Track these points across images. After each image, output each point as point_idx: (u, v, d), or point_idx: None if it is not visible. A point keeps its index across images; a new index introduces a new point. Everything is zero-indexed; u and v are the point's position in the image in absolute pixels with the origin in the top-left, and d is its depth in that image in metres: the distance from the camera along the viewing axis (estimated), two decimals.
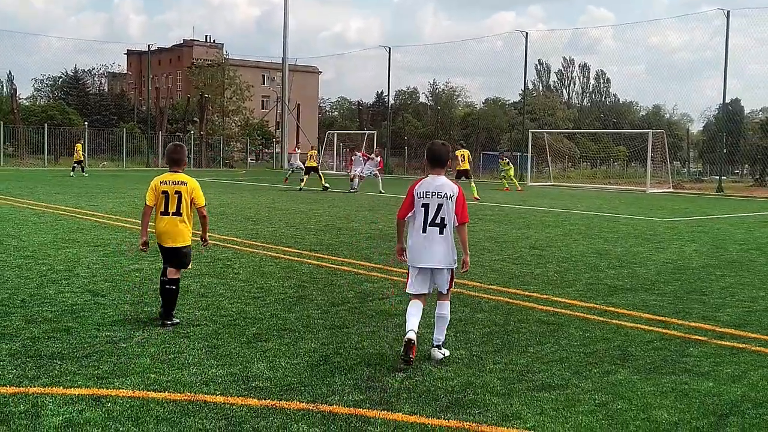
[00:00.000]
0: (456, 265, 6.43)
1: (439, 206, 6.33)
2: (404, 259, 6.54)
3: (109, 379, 5.57)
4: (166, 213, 7.43)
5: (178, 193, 7.43)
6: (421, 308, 6.37)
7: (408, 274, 6.49)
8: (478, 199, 26.88)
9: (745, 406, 5.42)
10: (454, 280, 6.55)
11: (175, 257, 7.50)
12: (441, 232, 6.31)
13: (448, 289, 6.45)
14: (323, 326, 7.39)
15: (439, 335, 6.44)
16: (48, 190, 26.21)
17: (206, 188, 21.84)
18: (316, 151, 36.18)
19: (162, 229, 7.47)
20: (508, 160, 38.80)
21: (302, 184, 31.58)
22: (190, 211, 7.52)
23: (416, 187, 6.46)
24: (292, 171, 37.80)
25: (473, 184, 27.89)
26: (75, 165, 38.10)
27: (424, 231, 6.33)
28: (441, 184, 6.43)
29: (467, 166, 28.37)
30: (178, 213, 7.43)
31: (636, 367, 6.31)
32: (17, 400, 5.07)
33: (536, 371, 6.09)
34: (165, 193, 7.45)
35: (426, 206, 6.36)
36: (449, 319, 6.53)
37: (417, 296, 6.42)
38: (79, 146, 39.31)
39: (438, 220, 6.32)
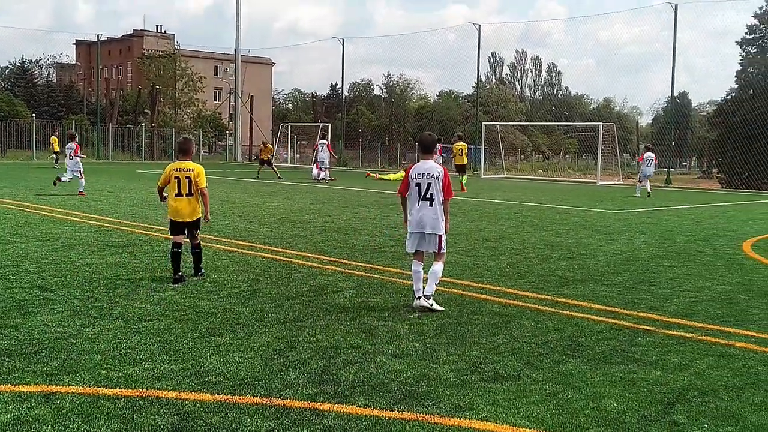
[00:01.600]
0: (442, 232, 8.07)
1: (428, 185, 8.03)
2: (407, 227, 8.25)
3: (58, 376, 5.49)
4: (180, 195, 9.17)
5: (188, 178, 9.19)
6: (421, 266, 8.09)
7: (407, 238, 8.25)
8: (464, 191, 27.27)
9: (691, 394, 5.55)
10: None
11: (196, 227, 9.40)
12: (431, 205, 8.03)
13: (439, 251, 8.07)
14: (277, 320, 7.37)
15: (430, 288, 7.92)
16: None
17: (155, 181, 21.51)
18: (270, 144, 35.59)
19: (181, 208, 9.19)
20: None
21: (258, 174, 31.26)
22: (197, 191, 9.24)
23: (411, 171, 8.13)
24: (328, 166, 34.06)
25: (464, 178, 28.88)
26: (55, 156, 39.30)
27: (417, 204, 8.05)
28: (429, 167, 8.10)
29: (465, 161, 29.69)
30: (190, 194, 9.21)
31: (586, 357, 6.42)
32: None
33: (489, 362, 6.16)
34: (177, 178, 9.17)
35: (419, 185, 8.06)
36: (440, 276, 8.10)
37: (416, 255, 8.17)
38: (54, 139, 40.38)
39: (428, 196, 8.03)
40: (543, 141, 72.50)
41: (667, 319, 7.86)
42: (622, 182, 41.10)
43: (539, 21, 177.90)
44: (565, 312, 8.08)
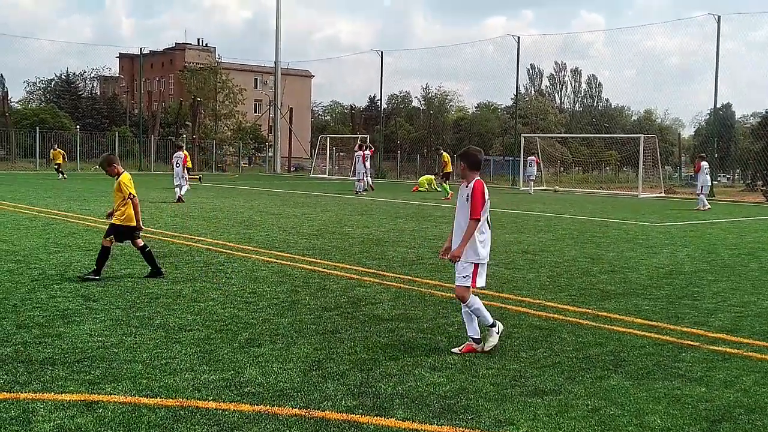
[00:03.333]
0: None
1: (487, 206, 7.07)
2: (457, 259, 6.92)
3: (100, 385, 5.54)
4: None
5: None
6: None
7: (475, 271, 6.87)
8: (448, 199, 29.35)
9: (737, 411, 5.43)
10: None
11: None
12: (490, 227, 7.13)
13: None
14: (316, 331, 7.38)
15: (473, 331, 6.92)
16: (40, 193, 26.12)
17: (199, 192, 21.66)
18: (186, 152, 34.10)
19: (134, 212, 10.00)
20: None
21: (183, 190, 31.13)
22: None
23: (484, 190, 6.99)
24: (361, 178, 34.40)
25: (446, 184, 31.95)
26: (58, 167, 39.37)
27: (487, 229, 7.10)
28: None
29: (450, 169, 34.02)
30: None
31: (628, 372, 6.32)
32: (8, 405, 5.04)
33: (529, 376, 6.09)
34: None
35: (486, 206, 7.05)
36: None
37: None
38: (58, 152, 40.52)
39: (489, 219, 7.15)
40: (583, 153, 71.81)
41: (712, 335, 7.71)
42: (663, 195, 40.55)
43: (579, 32, 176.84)
44: (606, 326, 7.97)
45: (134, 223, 10.03)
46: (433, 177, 40.08)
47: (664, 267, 12.36)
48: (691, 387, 5.96)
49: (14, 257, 11.36)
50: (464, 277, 6.83)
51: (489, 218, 7.10)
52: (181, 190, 24.24)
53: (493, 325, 6.85)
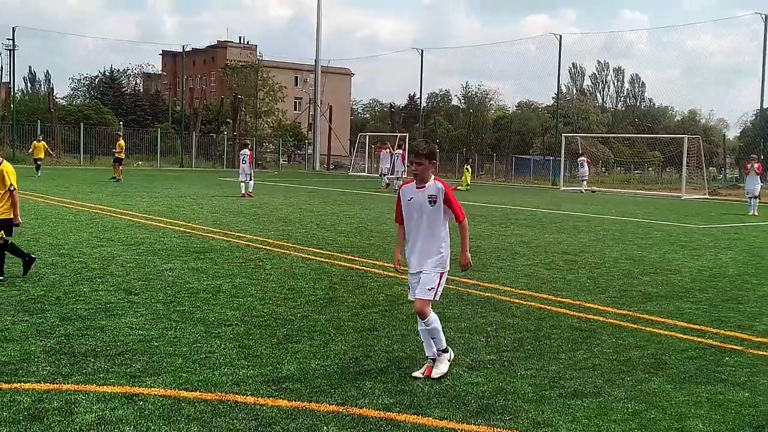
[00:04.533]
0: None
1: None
2: (469, 266, 6.40)
3: (141, 378, 5.61)
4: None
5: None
6: None
7: (440, 281, 6.17)
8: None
9: None
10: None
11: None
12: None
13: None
14: (353, 329, 7.38)
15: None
16: (84, 188, 26.55)
17: (238, 189, 21.83)
18: (123, 142, 35.22)
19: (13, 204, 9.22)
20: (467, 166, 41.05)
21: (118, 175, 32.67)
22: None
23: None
24: (385, 175, 35.78)
25: None
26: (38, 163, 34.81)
27: None
28: None
29: None
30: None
31: (670, 375, 6.22)
32: (51, 396, 5.13)
33: (568, 378, 6.02)
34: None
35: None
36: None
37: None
38: (39, 145, 35.74)
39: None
40: (625, 153, 70.89)
41: (757, 339, 7.56)
42: (707, 197, 39.88)
43: (622, 31, 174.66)
44: (647, 329, 7.86)
45: (11, 216, 9.26)
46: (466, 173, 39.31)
47: (707, 270, 12.15)
48: (734, 392, 5.84)
49: (58, 251, 11.55)
50: (429, 290, 6.03)
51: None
52: (248, 186, 25.54)
53: (445, 350, 6.09)
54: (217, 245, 12.95)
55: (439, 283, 6.09)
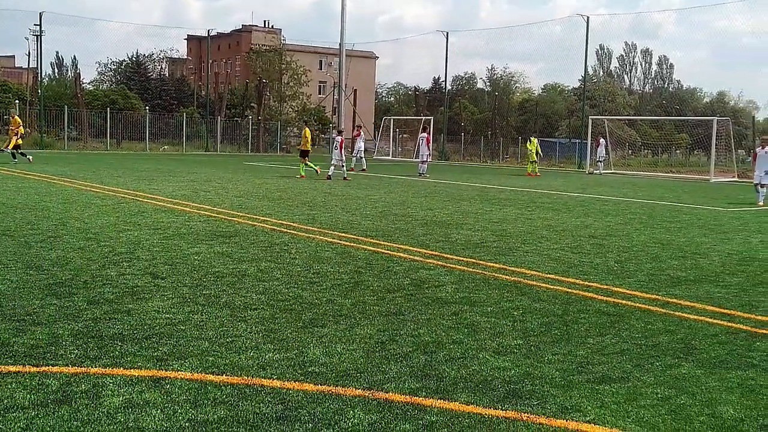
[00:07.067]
0: None
1: None
2: None
3: (168, 361, 5.62)
4: None
5: None
6: None
7: None
8: (303, 177, 27.97)
9: None
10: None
11: None
12: None
13: None
14: (379, 313, 7.36)
15: None
16: (110, 173, 26.74)
17: (263, 173, 21.96)
18: (18, 119, 32.73)
19: None
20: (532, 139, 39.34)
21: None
22: None
23: None
24: (358, 158, 37.21)
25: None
26: (13, 150, 30.93)
27: None
28: None
29: (308, 147, 29.40)
30: None
31: (700, 360, 6.13)
32: (79, 380, 5.16)
33: (596, 363, 5.96)
34: None
35: None
36: None
37: None
38: (16, 120, 31.81)
39: None
40: (652, 136, 70.16)
41: None
42: (736, 179, 39.38)
43: (650, 12, 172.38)
44: (677, 313, 7.76)
45: None
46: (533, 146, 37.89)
47: (737, 253, 11.98)
48: (766, 377, 5.74)
49: (85, 235, 11.64)
50: None
51: None
52: (343, 168, 27.81)
53: None
54: (242, 229, 12.98)
55: None
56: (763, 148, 22.95)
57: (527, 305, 7.89)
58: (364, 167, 36.06)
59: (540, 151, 39.16)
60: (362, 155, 37.71)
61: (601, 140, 42.72)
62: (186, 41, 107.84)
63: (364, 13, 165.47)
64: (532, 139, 38.85)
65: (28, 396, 4.82)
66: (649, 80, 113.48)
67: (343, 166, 28.11)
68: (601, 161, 42.38)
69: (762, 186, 22.44)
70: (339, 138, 29.19)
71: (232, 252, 10.53)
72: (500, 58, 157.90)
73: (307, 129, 29.67)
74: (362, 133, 41.15)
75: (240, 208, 16.36)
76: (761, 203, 22.09)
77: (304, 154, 29.28)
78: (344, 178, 27.40)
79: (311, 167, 28.75)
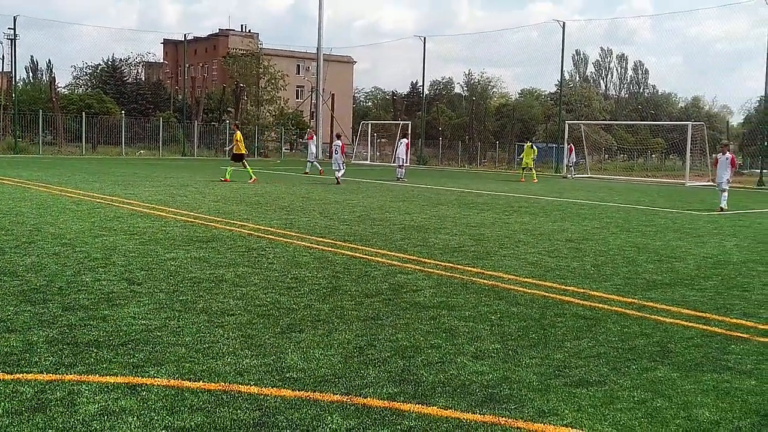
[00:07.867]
0: None
1: None
2: None
3: (144, 368, 5.58)
4: None
5: None
6: None
7: None
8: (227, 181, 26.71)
9: None
10: None
11: None
12: None
13: None
14: (357, 318, 7.35)
15: None
16: (86, 178, 26.51)
17: (242, 177, 21.87)
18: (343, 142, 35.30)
19: None
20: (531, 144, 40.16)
21: None
22: None
23: None
24: (313, 163, 36.43)
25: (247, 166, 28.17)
26: None
27: None
28: None
29: (242, 150, 28.29)
30: None
31: (676, 363, 6.18)
32: (54, 387, 5.10)
33: (573, 367, 5.99)
34: None
35: None
36: None
37: None
38: None
39: None
40: (628, 140, 70.72)
41: (762, 327, 7.51)
42: (711, 183, 39.77)
43: (625, 18, 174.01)
44: (652, 317, 7.82)
45: None
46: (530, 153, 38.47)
47: (712, 257, 12.10)
48: (740, 380, 5.81)
49: (60, 240, 11.53)
50: None
51: None
52: (339, 173, 28.01)
53: None
54: (219, 234, 12.92)
55: None
56: (723, 154, 23.17)
57: (505, 309, 7.92)
58: (321, 170, 35.55)
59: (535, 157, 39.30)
60: (314, 159, 37.05)
61: (572, 146, 43.82)
62: (162, 45, 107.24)
63: (341, 17, 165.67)
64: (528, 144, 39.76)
65: (2, 404, 4.76)
66: (625, 85, 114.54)
67: (342, 170, 28.69)
68: (572, 166, 43.46)
69: (722, 191, 22.18)
70: (339, 142, 29.54)
71: (209, 257, 10.48)
72: (477, 63, 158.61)
73: (238, 132, 28.64)
74: (314, 136, 42.09)
75: (217, 212, 16.28)
76: (724, 206, 21.62)
77: (236, 158, 28.24)
78: (336, 182, 27.86)
79: (248, 171, 27.67)
